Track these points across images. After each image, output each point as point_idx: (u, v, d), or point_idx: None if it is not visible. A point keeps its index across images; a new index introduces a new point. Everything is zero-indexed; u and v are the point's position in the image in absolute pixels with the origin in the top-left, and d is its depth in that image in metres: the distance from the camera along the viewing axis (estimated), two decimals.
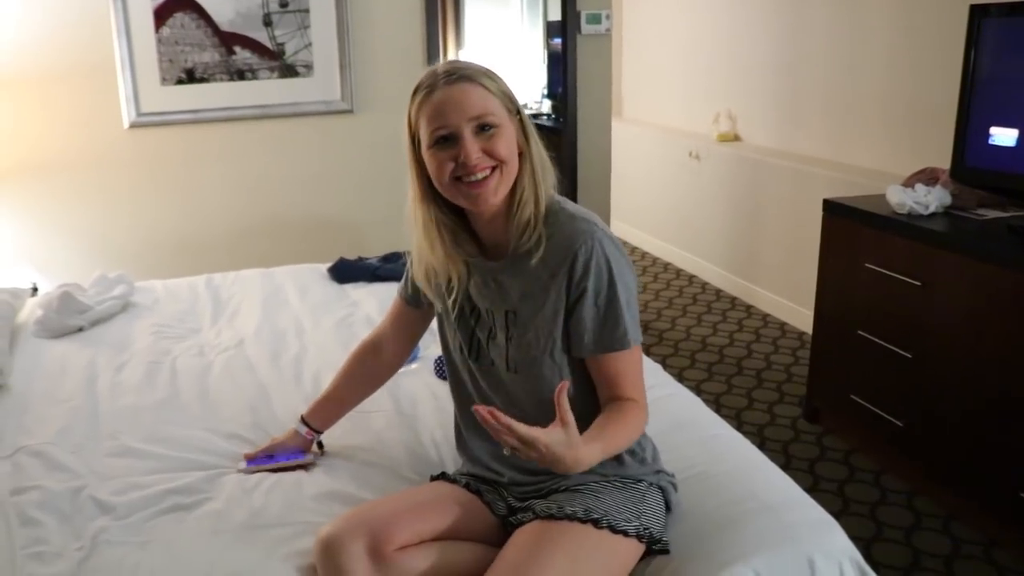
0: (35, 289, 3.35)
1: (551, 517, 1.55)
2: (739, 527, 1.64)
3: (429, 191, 1.59)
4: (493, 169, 1.52)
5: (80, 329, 2.80)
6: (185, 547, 1.65)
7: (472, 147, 1.50)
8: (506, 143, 1.53)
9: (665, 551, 1.61)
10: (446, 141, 1.51)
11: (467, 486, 1.74)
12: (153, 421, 2.18)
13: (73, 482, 1.88)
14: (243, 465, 1.94)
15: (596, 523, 1.54)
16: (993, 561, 2.50)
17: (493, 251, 1.65)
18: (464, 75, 1.53)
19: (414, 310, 1.89)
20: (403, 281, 1.89)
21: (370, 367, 1.99)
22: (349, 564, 1.49)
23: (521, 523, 1.59)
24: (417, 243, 1.66)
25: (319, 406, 2.00)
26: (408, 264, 1.83)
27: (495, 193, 1.53)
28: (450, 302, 1.69)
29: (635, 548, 1.58)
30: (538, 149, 1.60)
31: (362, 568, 1.50)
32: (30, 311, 2.93)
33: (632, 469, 1.67)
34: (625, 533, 1.56)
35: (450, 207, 1.62)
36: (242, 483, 1.87)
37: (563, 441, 1.36)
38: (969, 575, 2.44)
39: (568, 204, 1.64)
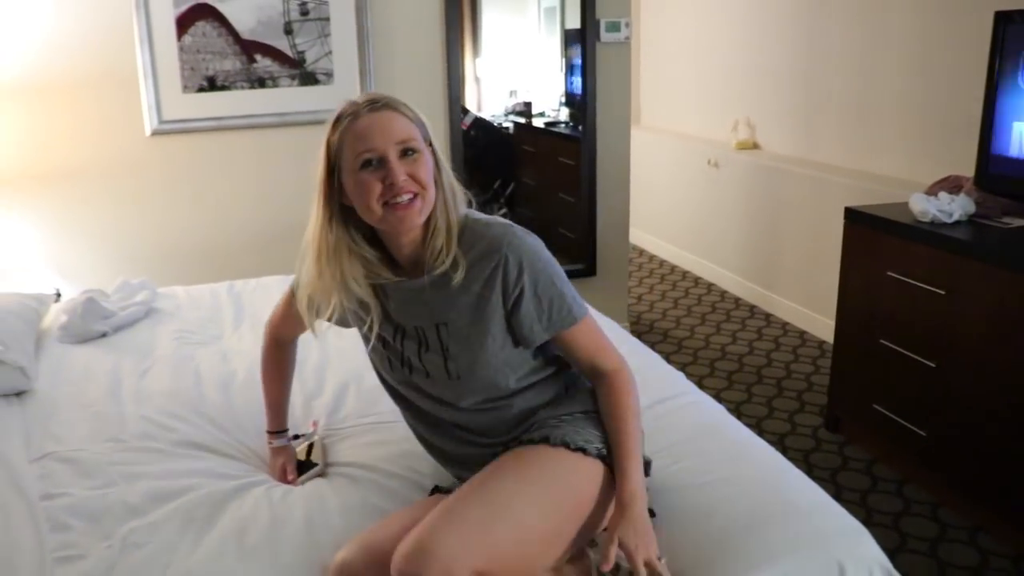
0: (58, 295, 3.37)
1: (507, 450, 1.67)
2: (767, 530, 1.64)
3: (340, 216, 1.65)
4: (416, 195, 1.58)
5: (104, 335, 2.81)
6: (212, 551, 1.65)
7: (399, 169, 1.56)
8: (426, 168, 1.60)
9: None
10: (371, 165, 1.57)
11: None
12: (179, 427, 2.18)
13: (101, 487, 1.88)
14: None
15: (549, 441, 1.63)
16: (1022, 574, 2.47)
17: (411, 270, 1.69)
18: (386, 103, 1.61)
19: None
20: (295, 289, 1.89)
21: (287, 363, 2.11)
22: None
23: None
24: (306, 270, 1.70)
25: (274, 415, 2.10)
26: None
27: (419, 215, 1.59)
28: (371, 329, 1.72)
29: (598, 468, 1.63)
30: (448, 178, 1.66)
31: None
32: (54, 317, 2.95)
33: (586, 403, 1.74)
34: (584, 451, 1.62)
35: (362, 235, 1.67)
36: (268, 491, 1.88)
37: (622, 524, 1.51)
38: None
39: (477, 215, 1.70)
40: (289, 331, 2.05)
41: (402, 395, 1.82)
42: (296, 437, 2.11)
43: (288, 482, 1.95)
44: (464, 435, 1.76)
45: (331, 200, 1.66)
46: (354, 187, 1.60)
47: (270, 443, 2.06)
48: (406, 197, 1.57)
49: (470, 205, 1.72)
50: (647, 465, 1.72)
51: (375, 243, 1.69)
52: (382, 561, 1.50)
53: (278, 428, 2.08)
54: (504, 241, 1.62)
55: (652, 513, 1.66)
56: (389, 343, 1.74)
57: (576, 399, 1.76)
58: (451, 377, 1.68)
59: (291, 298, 1.95)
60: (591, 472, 1.62)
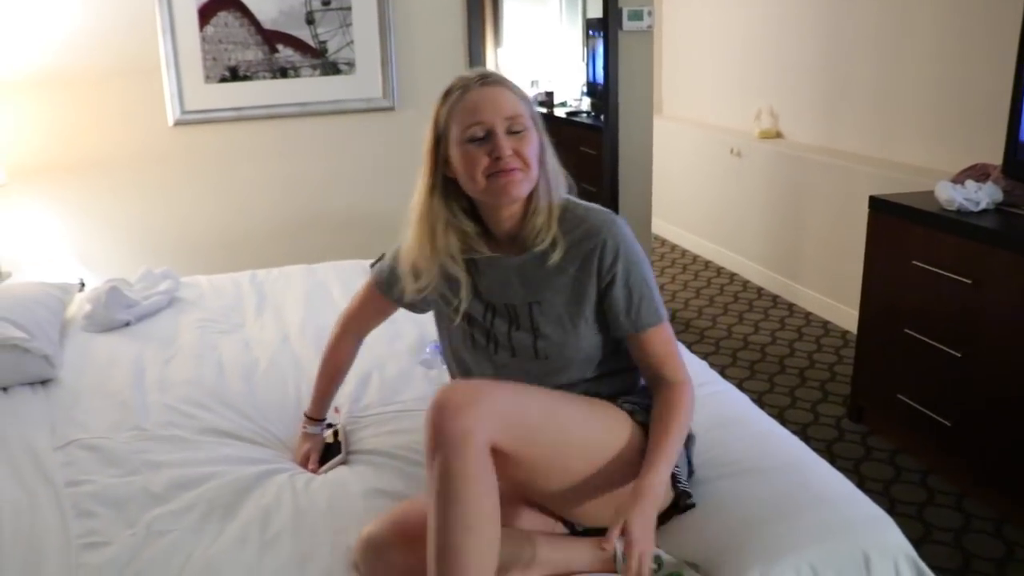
0: (82, 285, 3.39)
1: None
2: (793, 519, 1.63)
3: (444, 187, 1.68)
4: (518, 170, 1.60)
5: (127, 324, 2.83)
6: (235, 539, 1.66)
7: (505, 143, 1.59)
8: (532, 146, 1.62)
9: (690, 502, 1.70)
10: (479, 137, 1.60)
11: None
12: (202, 415, 2.20)
13: (125, 475, 1.90)
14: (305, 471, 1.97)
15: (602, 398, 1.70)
16: None
17: (509, 247, 1.71)
18: (497, 79, 1.64)
19: (387, 301, 1.94)
20: (380, 272, 1.93)
21: (349, 357, 2.08)
22: (389, 572, 1.55)
23: None
24: (412, 237, 1.71)
25: (318, 403, 2.07)
26: (389, 257, 1.88)
27: (521, 187, 1.62)
28: (457, 307, 1.73)
29: (641, 437, 1.66)
30: (552, 161, 1.69)
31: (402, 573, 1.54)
32: (78, 306, 2.97)
33: (646, 399, 1.75)
34: (632, 415, 1.68)
35: (461, 207, 1.70)
36: (292, 479, 1.89)
37: (634, 510, 1.50)
38: None
39: (579, 202, 1.72)
40: (363, 324, 2.05)
41: (474, 375, 1.80)
42: (329, 426, 2.11)
43: (310, 470, 1.95)
44: None
45: (436, 172, 1.68)
46: (460, 158, 1.62)
47: (304, 428, 2.06)
48: (510, 169, 1.60)
49: (570, 192, 1.73)
50: (691, 473, 1.76)
51: (475, 218, 1.72)
52: (411, 536, 1.52)
53: (318, 416, 2.07)
54: (604, 227, 1.65)
55: (692, 505, 1.70)
56: (476, 320, 1.75)
57: (641, 394, 1.78)
58: (539, 356, 1.70)
59: (371, 290, 1.97)
60: (636, 436, 1.65)
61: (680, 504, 1.70)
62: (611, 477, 1.61)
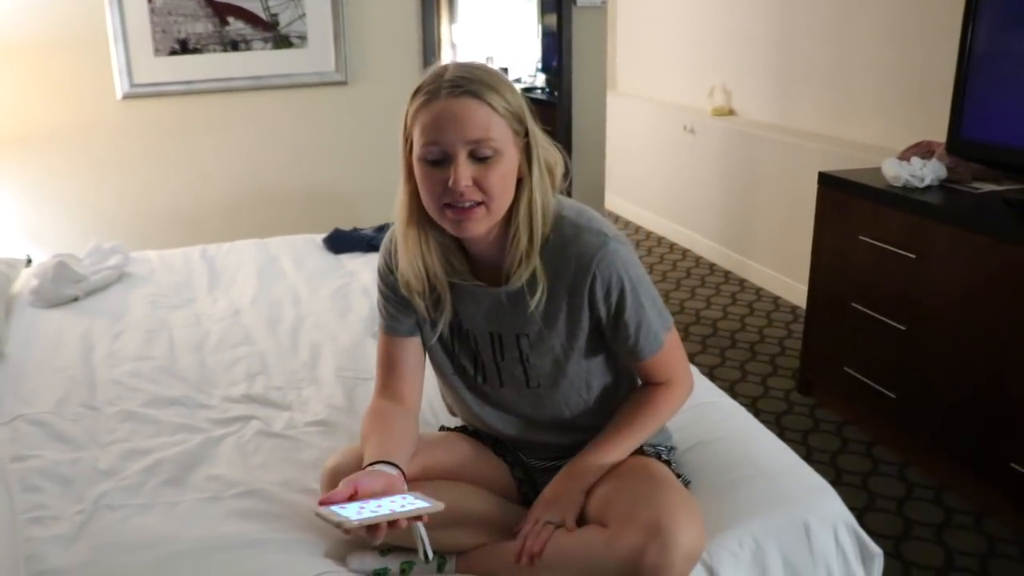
0: (29, 260, 3.34)
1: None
2: (735, 493, 1.66)
3: (417, 200, 1.48)
4: (479, 203, 1.41)
5: (75, 299, 2.79)
6: (186, 510, 1.66)
7: (464, 173, 1.38)
8: (501, 175, 1.41)
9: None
10: (435, 160, 1.40)
11: (475, 433, 1.75)
12: (151, 388, 2.18)
13: (73, 451, 1.89)
14: (328, 511, 1.31)
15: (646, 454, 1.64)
16: (983, 531, 2.52)
17: (489, 275, 1.55)
18: (470, 89, 1.38)
19: (409, 339, 1.65)
20: (383, 318, 1.65)
21: (400, 424, 1.60)
22: None
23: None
24: (404, 251, 1.54)
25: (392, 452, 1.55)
26: (379, 300, 1.65)
27: (478, 224, 1.43)
28: (442, 325, 1.59)
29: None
30: (540, 176, 1.48)
31: None
32: (25, 281, 2.93)
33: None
34: (658, 457, 1.64)
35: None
36: (241, 447, 1.89)
37: (555, 486, 1.55)
38: (960, 544, 2.47)
39: (571, 215, 1.53)
40: (400, 374, 1.65)
41: (467, 403, 1.69)
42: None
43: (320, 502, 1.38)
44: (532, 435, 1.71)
45: (410, 181, 1.48)
46: (418, 174, 1.43)
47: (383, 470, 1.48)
48: (467, 203, 1.40)
49: (566, 176, 1.56)
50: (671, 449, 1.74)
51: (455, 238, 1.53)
52: None
53: (389, 459, 1.50)
54: (595, 257, 1.47)
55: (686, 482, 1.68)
56: (465, 343, 1.62)
57: (661, 433, 1.74)
58: (530, 386, 1.61)
59: (384, 338, 1.66)
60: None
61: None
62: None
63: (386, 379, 1.65)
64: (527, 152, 1.47)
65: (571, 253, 1.48)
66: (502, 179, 1.42)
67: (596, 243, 1.48)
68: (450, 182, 1.38)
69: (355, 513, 1.29)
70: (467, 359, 1.64)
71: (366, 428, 1.57)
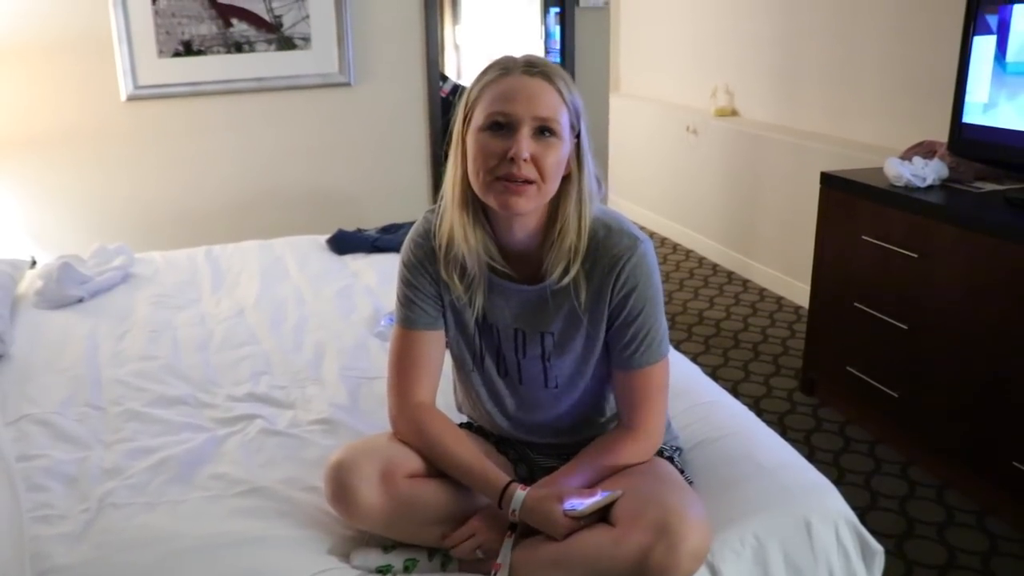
0: (34, 262, 3.35)
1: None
2: (737, 490, 1.67)
3: (465, 183, 1.50)
4: (531, 182, 1.43)
5: (80, 300, 2.80)
6: (191, 508, 1.67)
7: (525, 144, 1.40)
8: (557, 159, 1.44)
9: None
10: (500, 129, 1.42)
11: (480, 431, 1.77)
12: (156, 388, 2.19)
13: (78, 450, 1.90)
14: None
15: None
16: (986, 529, 2.53)
17: (523, 270, 1.56)
18: (544, 71, 1.45)
19: (428, 333, 1.63)
20: (402, 311, 1.64)
21: (457, 431, 1.65)
22: (360, 484, 1.50)
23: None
24: (445, 222, 1.55)
25: (488, 467, 1.57)
26: (400, 291, 1.64)
27: (525, 204, 1.44)
28: (476, 310, 1.59)
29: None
30: (589, 175, 1.51)
31: (372, 489, 1.50)
32: (30, 282, 2.94)
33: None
34: (661, 454, 1.65)
35: (483, 207, 1.52)
36: (245, 446, 1.90)
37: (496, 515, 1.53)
38: (962, 543, 2.47)
39: (607, 220, 1.55)
40: (420, 381, 1.63)
41: (481, 398, 1.70)
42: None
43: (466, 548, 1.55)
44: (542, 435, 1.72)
45: (463, 160, 1.50)
46: (473, 145, 1.45)
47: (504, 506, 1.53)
48: (521, 179, 1.41)
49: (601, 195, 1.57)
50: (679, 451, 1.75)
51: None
52: (381, 460, 1.53)
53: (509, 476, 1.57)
54: (625, 257, 1.50)
55: (689, 481, 1.68)
56: (489, 336, 1.63)
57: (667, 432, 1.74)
58: (548, 387, 1.62)
59: (403, 333, 1.64)
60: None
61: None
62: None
63: (405, 377, 1.63)
64: (577, 150, 1.50)
65: (602, 253, 1.52)
66: (558, 163, 1.45)
67: (628, 244, 1.52)
68: (511, 152, 1.40)
69: (581, 505, 1.46)
70: (490, 354, 1.64)
71: (448, 441, 1.58)
